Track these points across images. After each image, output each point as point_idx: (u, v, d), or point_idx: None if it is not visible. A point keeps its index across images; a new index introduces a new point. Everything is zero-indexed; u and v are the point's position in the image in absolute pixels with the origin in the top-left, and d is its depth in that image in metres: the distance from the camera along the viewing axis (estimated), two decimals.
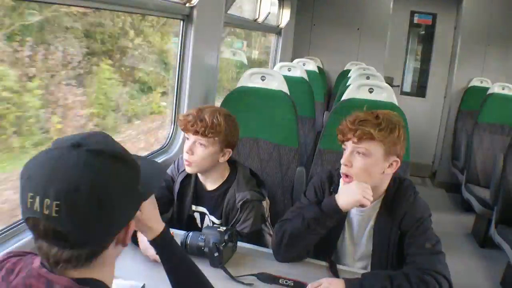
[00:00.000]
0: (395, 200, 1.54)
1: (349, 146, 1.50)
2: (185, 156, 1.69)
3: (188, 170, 1.72)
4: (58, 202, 0.71)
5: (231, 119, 1.71)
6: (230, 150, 1.71)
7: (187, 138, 1.70)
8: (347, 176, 1.50)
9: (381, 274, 1.40)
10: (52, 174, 0.73)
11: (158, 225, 1.14)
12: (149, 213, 1.11)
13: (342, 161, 1.51)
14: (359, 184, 1.44)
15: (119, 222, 0.80)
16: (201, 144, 1.66)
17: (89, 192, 0.72)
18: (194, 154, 1.67)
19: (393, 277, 1.36)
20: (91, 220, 0.74)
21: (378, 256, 1.58)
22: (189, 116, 1.66)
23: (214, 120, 1.64)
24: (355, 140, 1.46)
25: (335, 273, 1.52)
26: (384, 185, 1.56)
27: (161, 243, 1.15)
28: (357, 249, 1.63)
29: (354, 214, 1.61)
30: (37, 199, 0.72)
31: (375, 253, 1.59)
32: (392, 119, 1.50)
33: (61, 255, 0.75)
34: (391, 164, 1.50)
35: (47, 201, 0.71)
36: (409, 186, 1.58)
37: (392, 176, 1.57)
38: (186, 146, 1.69)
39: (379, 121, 1.47)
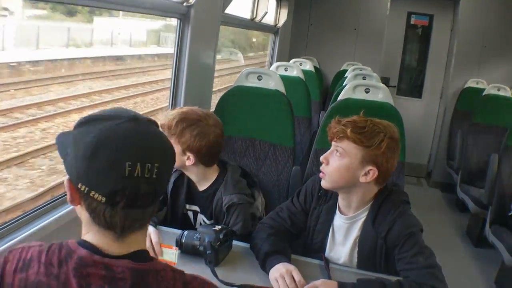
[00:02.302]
0: (381, 212, 1.50)
1: (333, 145, 1.52)
2: None
3: None
4: (157, 165, 0.80)
5: (191, 124, 1.67)
6: (192, 155, 1.67)
7: None
8: (322, 172, 1.53)
9: (376, 282, 1.36)
10: (142, 142, 0.81)
11: None
12: None
13: (320, 158, 1.53)
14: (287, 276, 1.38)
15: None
16: None
17: (171, 152, 0.88)
18: None
19: (388, 285, 1.33)
20: (168, 175, 0.88)
21: (363, 267, 1.55)
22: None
23: (168, 122, 1.66)
24: (335, 138, 1.48)
25: (327, 270, 1.50)
26: (370, 194, 1.53)
27: None
28: (340, 257, 1.60)
29: (339, 221, 1.59)
30: (138, 166, 0.78)
31: (361, 265, 1.56)
32: (380, 128, 1.46)
33: (138, 215, 0.82)
34: (367, 172, 1.46)
35: (148, 165, 0.79)
36: (398, 199, 1.53)
37: (383, 184, 1.53)
38: None
39: (362, 125, 1.46)
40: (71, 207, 0.92)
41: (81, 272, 0.77)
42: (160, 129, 1.64)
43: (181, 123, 1.65)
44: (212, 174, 1.77)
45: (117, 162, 0.78)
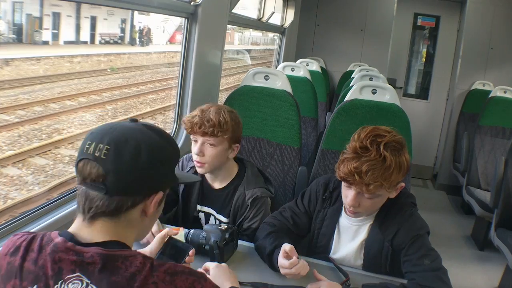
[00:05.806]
0: (389, 215, 1.50)
1: (353, 188, 1.43)
2: (196, 158, 1.67)
3: (201, 171, 1.71)
4: (108, 147, 0.87)
5: (235, 114, 1.72)
6: (238, 145, 1.73)
7: (194, 140, 1.69)
8: (354, 213, 1.49)
9: (381, 287, 1.37)
10: (110, 129, 0.90)
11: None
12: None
13: (348, 202, 1.45)
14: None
15: (151, 186, 0.92)
16: (210, 144, 1.65)
17: (135, 147, 0.88)
18: (204, 155, 1.66)
19: None
20: (130, 169, 0.88)
21: (368, 269, 1.55)
22: (195, 118, 1.64)
23: (221, 119, 1.63)
24: (366, 192, 1.39)
25: (340, 269, 1.51)
26: None
27: None
28: (345, 258, 1.59)
29: (346, 222, 1.59)
30: (93, 145, 0.88)
31: (366, 266, 1.56)
32: (386, 154, 1.37)
33: (97, 200, 0.87)
34: (396, 190, 1.47)
35: (100, 145, 0.87)
36: (406, 202, 1.53)
37: None
38: (195, 148, 1.67)
39: (387, 165, 1.36)
40: None
41: (54, 257, 0.85)
42: (199, 137, 1.64)
43: (231, 117, 1.67)
44: (234, 169, 1.79)
45: (85, 141, 0.90)
